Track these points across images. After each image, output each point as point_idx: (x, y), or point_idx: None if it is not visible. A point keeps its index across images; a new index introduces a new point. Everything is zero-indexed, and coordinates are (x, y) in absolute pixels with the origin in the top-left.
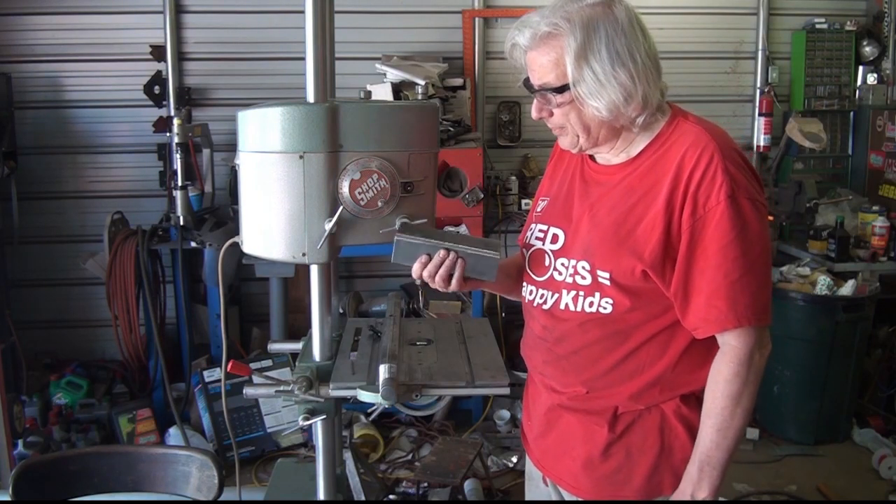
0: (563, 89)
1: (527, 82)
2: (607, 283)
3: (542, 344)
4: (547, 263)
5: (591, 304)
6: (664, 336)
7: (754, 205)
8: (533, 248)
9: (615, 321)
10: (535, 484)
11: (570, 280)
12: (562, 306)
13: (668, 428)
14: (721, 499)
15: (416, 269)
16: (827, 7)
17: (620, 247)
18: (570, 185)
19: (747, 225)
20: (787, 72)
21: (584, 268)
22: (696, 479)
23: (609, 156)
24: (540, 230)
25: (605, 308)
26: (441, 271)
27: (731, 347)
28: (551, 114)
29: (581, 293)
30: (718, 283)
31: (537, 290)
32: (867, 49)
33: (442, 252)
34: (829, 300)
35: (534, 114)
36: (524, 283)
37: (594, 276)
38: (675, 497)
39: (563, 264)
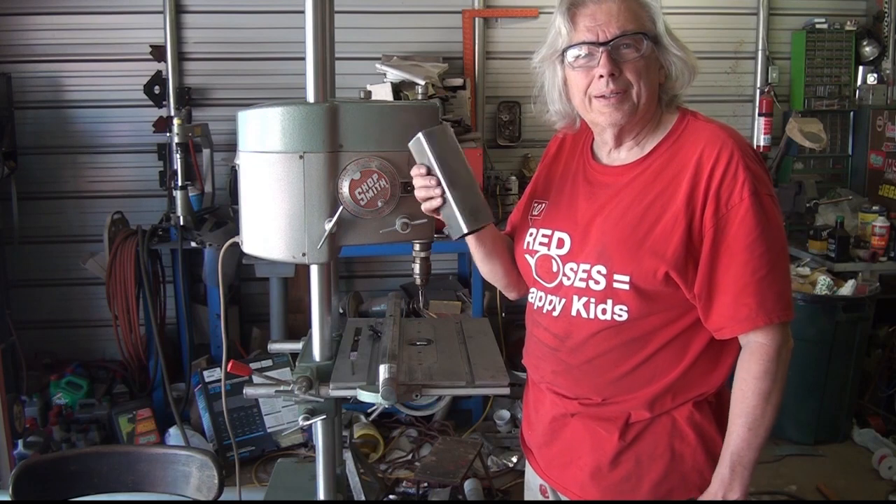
0: (651, 37)
1: (581, 45)
2: (625, 287)
3: (552, 354)
4: (555, 269)
5: (604, 312)
6: (681, 340)
7: (773, 199)
8: (538, 254)
9: (631, 329)
10: (534, 493)
11: (581, 285)
12: (573, 312)
13: (679, 435)
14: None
15: (413, 170)
16: (827, 7)
17: (640, 248)
18: (572, 188)
19: (770, 220)
20: (787, 72)
21: (598, 272)
22: (729, 479)
23: (622, 152)
24: (543, 234)
25: (619, 315)
26: (422, 192)
27: (760, 345)
28: (621, 72)
29: (593, 299)
30: (746, 280)
31: (546, 297)
32: (867, 49)
33: (434, 179)
34: (829, 300)
35: (603, 70)
36: (532, 290)
37: (609, 281)
38: (706, 498)
39: (571, 269)
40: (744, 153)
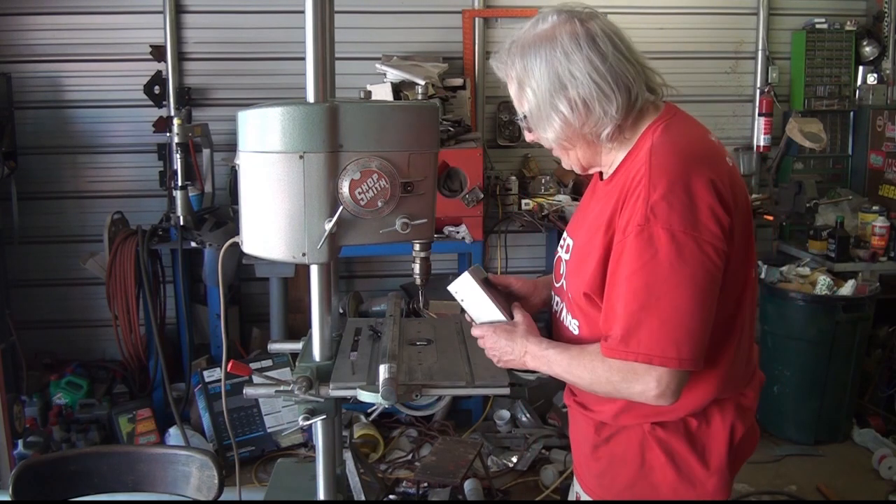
0: (523, 118)
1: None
2: (573, 304)
3: None
4: (562, 272)
5: (570, 322)
6: None
7: (673, 237)
8: (556, 255)
9: (584, 342)
10: None
11: (561, 294)
12: (561, 317)
13: (649, 447)
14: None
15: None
16: (827, 7)
17: (580, 269)
18: (587, 195)
19: (657, 257)
20: (787, 72)
21: (562, 287)
22: (527, 353)
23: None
24: (563, 239)
25: (573, 329)
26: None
27: (624, 368)
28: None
29: (566, 309)
30: (620, 311)
31: (554, 297)
32: (867, 49)
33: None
34: (829, 300)
35: (526, 137)
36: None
37: (564, 298)
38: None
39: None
40: (653, 182)
